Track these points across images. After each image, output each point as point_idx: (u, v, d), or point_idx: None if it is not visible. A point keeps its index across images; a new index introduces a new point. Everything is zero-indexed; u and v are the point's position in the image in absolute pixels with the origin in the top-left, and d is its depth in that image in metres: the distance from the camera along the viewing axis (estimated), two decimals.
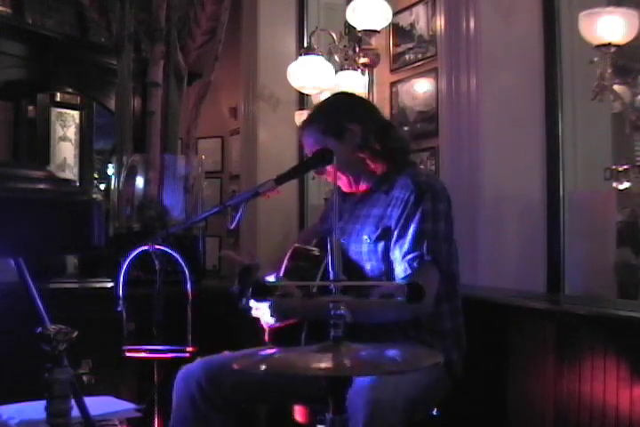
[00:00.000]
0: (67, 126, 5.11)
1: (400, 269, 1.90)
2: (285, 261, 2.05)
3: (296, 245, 2.11)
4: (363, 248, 1.99)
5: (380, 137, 2.05)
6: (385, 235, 1.95)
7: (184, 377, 1.99)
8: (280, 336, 1.95)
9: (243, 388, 1.95)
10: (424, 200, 1.91)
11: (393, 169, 2.03)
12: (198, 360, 2.02)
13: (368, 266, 1.98)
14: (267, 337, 1.99)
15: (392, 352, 1.41)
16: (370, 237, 1.98)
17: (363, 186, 2.08)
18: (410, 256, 1.89)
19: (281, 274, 2.02)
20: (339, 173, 2.04)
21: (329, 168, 2.03)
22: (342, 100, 2.21)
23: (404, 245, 1.90)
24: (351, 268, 1.97)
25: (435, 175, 2.05)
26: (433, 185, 1.96)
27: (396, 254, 1.92)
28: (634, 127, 2.13)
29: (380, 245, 1.96)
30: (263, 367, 1.31)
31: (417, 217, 1.90)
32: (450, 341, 1.99)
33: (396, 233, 1.93)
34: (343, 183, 2.08)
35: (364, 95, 2.93)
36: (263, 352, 1.48)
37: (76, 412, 1.24)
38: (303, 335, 1.87)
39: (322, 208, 2.80)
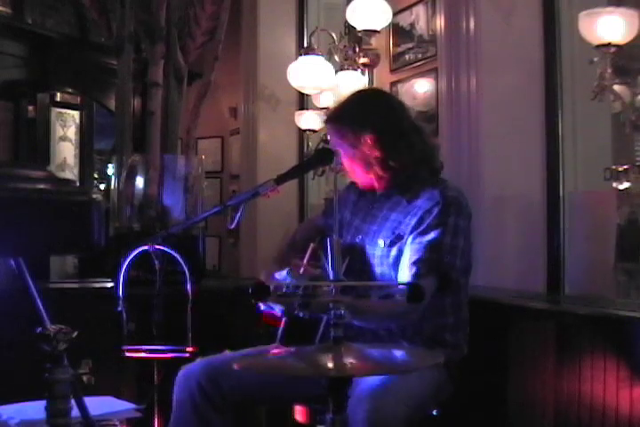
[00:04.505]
0: (67, 126, 5.11)
1: (407, 273, 1.88)
2: (306, 261, 1.99)
3: (314, 245, 2.02)
4: (376, 252, 1.98)
5: (396, 145, 2.01)
6: (397, 241, 1.94)
7: (184, 377, 1.99)
8: (292, 336, 1.91)
9: (243, 388, 1.94)
10: (449, 214, 1.90)
11: (418, 179, 2.01)
12: (199, 360, 2.02)
13: (379, 270, 1.98)
14: (278, 337, 1.94)
15: (393, 353, 1.41)
16: (385, 242, 1.97)
17: (380, 184, 2.07)
18: (420, 264, 1.87)
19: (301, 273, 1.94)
20: (357, 170, 2.05)
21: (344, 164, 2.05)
22: (361, 104, 2.10)
23: (418, 252, 1.89)
24: (366, 269, 1.98)
25: (462, 191, 2.03)
26: (459, 200, 1.96)
27: (405, 258, 1.91)
28: (634, 127, 2.13)
29: (393, 250, 1.95)
30: (264, 367, 1.31)
31: (438, 228, 1.89)
32: (450, 349, 1.97)
33: (411, 237, 1.91)
34: (360, 180, 2.09)
35: None
36: (264, 352, 1.48)
37: (75, 412, 1.25)
38: (318, 336, 1.81)
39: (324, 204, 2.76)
